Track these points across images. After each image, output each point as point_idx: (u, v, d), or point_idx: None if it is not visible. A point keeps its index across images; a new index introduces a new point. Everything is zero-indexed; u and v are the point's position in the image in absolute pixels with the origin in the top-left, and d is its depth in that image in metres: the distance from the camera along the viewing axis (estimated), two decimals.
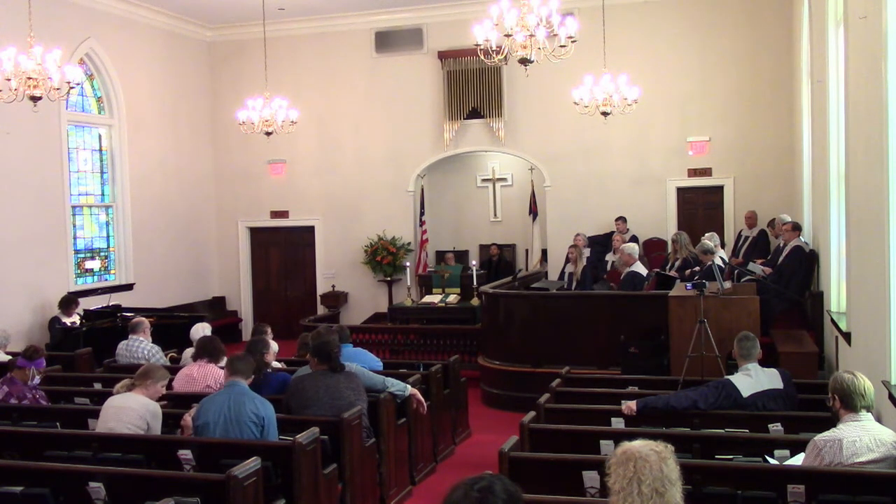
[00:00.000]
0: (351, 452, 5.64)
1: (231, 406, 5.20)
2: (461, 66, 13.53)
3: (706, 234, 9.71)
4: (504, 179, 15.26)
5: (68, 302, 10.57)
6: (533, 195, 14.31)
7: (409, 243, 14.04)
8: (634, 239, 11.69)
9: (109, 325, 10.38)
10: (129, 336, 8.10)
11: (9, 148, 10.54)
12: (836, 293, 7.47)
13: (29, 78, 7.94)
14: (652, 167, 12.92)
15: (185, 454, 5.01)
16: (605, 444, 4.87)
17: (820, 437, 4.20)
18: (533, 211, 14.32)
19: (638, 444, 2.77)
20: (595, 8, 11.59)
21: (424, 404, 6.69)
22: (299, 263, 14.85)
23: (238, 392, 5.29)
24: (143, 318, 8.42)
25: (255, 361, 6.32)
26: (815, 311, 8.65)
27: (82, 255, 12.13)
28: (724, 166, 12.68)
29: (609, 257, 11.48)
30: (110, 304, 11.43)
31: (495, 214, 15.37)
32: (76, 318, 10.57)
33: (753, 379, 5.40)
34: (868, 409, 4.17)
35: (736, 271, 9.45)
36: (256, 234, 14.99)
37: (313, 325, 10.36)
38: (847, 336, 6.17)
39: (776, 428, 5.11)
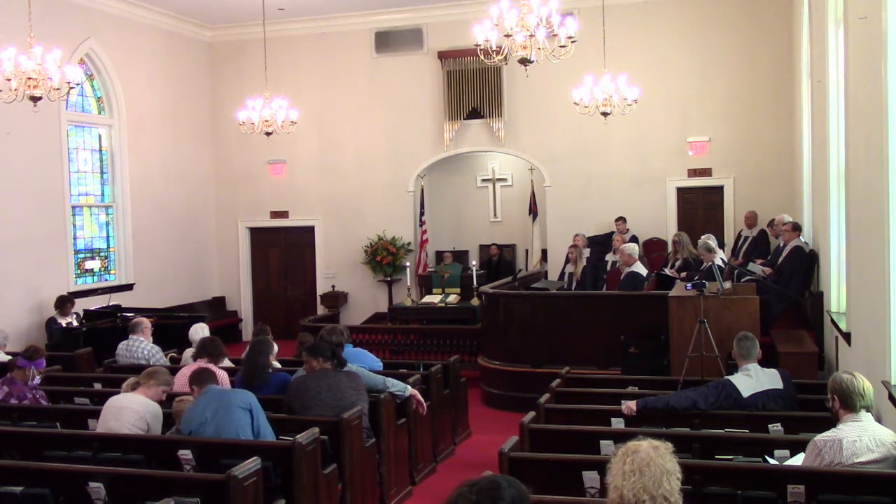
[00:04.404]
0: (351, 452, 5.65)
1: (217, 401, 5.25)
2: (461, 66, 13.53)
3: (704, 235, 9.69)
4: (504, 179, 15.26)
5: (64, 302, 10.56)
6: (533, 195, 14.31)
7: (409, 243, 14.04)
8: (634, 239, 11.69)
9: (109, 326, 10.37)
10: (129, 336, 8.10)
11: (9, 148, 10.54)
12: (836, 293, 7.47)
13: (29, 78, 7.94)
14: (652, 167, 12.92)
15: (185, 454, 5.01)
16: (605, 444, 4.87)
17: (820, 438, 4.20)
18: (533, 211, 14.32)
19: (639, 441, 2.81)
20: (595, 8, 11.58)
21: (424, 405, 6.69)
22: (299, 263, 14.85)
23: (217, 391, 5.41)
24: (144, 319, 8.42)
25: (261, 362, 6.41)
26: (815, 311, 8.65)
27: (82, 256, 12.13)
28: (724, 166, 12.69)
29: (609, 257, 11.48)
30: (110, 304, 11.44)
31: (495, 214, 15.37)
32: (72, 319, 10.57)
33: (753, 379, 5.40)
34: (868, 410, 4.17)
35: (736, 271, 9.45)
36: (256, 234, 15.00)
37: (313, 325, 10.38)
38: (847, 336, 6.17)
39: (776, 428, 5.11)
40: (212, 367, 6.46)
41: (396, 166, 14.08)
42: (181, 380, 6.60)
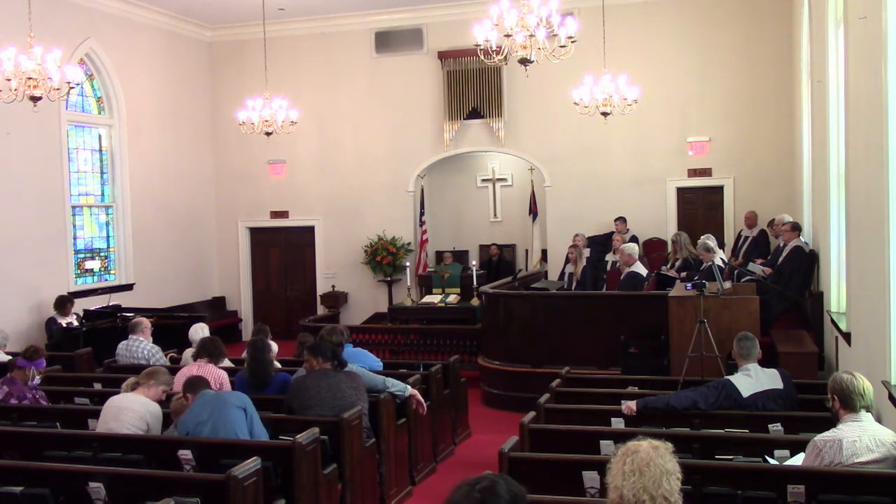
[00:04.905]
0: (351, 452, 5.65)
1: (213, 402, 5.29)
2: (461, 66, 13.53)
3: (704, 235, 9.69)
4: (504, 179, 15.25)
5: (63, 302, 10.56)
6: (533, 195, 14.31)
7: (409, 243, 14.04)
8: (634, 239, 11.69)
9: (109, 326, 10.37)
10: (129, 336, 8.10)
11: (9, 148, 10.54)
12: (836, 293, 7.47)
13: (29, 78, 7.94)
14: (652, 167, 12.92)
15: (185, 454, 5.01)
16: (605, 444, 4.87)
17: (820, 438, 4.20)
18: (533, 211, 14.32)
19: (639, 441, 2.81)
20: (595, 8, 11.59)
21: (424, 405, 6.69)
22: (299, 263, 14.85)
23: (212, 394, 5.45)
24: (143, 318, 8.42)
25: (266, 358, 6.48)
26: (815, 311, 8.65)
27: (82, 256, 12.13)
28: (724, 166, 12.69)
29: (609, 257, 11.49)
30: (110, 304, 11.43)
31: (495, 214, 15.37)
32: (72, 319, 10.57)
33: (753, 379, 5.40)
34: (867, 410, 4.17)
35: (736, 271, 9.45)
36: (256, 234, 15.00)
37: (313, 325, 10.38)
38: (847, 336, 6.17)
39: (776, 428, 5.11)
40: (211, 367, 6.49)
41: (396, 166, 14.08)
42: (181, 380, 6.60)
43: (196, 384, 5.48)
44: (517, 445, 4.83)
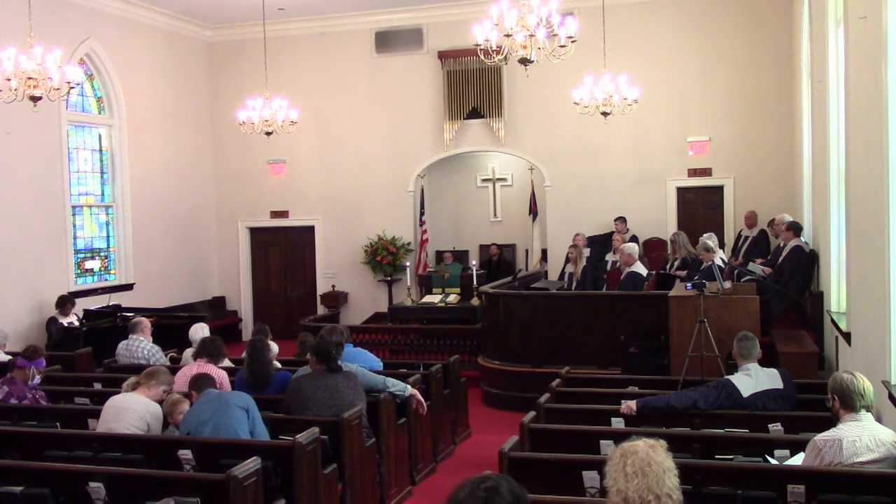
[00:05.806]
0: (351, 452, 5.65)
1: (215, 402, 5.30)
2: (461, 66, 13.53)
3: (705, 235, 9.69)
4: (504, 179, 15.26)
5: (64, 302, 10.57)
6: (533, 195, 14.32)
7: (409, 243, 14.04)
8: (634, 239, 11.68)
9: (109, 325, 10.36)
10: (129, 336, 8.10)
11: (9, 148, 10.54)
12: (836, 293, 7.46)
13: (29, 78, 7.94)
14: (652, 167, 12.92)
15: (185, 454, 5.01)
16: (605, 444, 4.87)
17: (820, 437, 4.20)
18: (533, 211, 14.33)
19: (635, 442, 2.81)
20: (595, 8, 11.59)
21: (424, 405, 6.69)
22: (299, 263, 14.86)
23: (215, 393, 5.47)
24: (143, 318, 8.42)
25: (265, 359, 6.50)
26: (815, 311, 8.65)
27: (82, 255, 12.13)
28: (724, 166, 12.69)
29: (609, 257, 11.48)
30: (110, 304, 11.44)
31: (495, 214, 15.38)
32: (73, 318, 10.58)
33: (753, 379, 5.40)
34: (868, 409, 4.17)
35: (736, 271, 9.45)
36: (256, 234, 15.00)
37: (313, 325, 10.38)
38: (847, 336, 6.17)
39: (776, 428, 5.11)
40: (211, 366, 6.48)
41: (396, 166, 14.08)
42: (181, 380, 6.60)
43: (201, 382, 5.49)
44: (517, 445, 4.83)
